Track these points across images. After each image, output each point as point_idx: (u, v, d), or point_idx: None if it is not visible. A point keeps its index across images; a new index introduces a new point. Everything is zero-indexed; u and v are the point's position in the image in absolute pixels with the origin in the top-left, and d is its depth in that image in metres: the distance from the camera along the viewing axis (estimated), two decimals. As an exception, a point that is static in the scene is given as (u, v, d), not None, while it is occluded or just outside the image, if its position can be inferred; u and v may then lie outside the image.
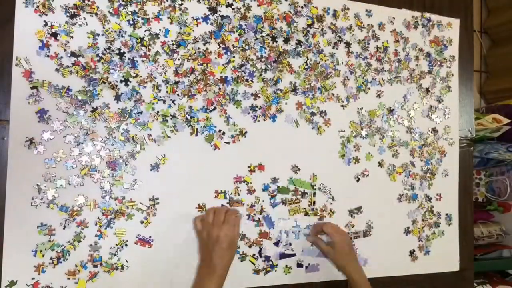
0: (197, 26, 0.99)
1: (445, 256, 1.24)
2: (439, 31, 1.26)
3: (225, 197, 1.00)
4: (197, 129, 0.98)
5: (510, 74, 2.39)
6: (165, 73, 0.96)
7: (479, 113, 2.23)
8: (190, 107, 0.97)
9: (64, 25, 0.88)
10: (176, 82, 0.97)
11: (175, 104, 0.96)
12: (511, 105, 2.21)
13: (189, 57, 0.98)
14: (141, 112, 0.93)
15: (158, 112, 0.95)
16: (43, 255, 0.85)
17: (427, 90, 1.23)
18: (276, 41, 1.06)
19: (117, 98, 0.92)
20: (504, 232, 2.11)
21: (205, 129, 0.98)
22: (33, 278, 0.85)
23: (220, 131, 1.00)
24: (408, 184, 1.19)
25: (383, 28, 1.18)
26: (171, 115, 0.96)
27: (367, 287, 0.99)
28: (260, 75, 1.04)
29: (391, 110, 1.18)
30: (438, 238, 1.22)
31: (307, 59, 1.09)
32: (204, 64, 0.99)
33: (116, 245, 0.91)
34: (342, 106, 1.12)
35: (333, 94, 1.11)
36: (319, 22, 1.11)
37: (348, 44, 1.14)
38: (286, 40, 1.07)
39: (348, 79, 1.13)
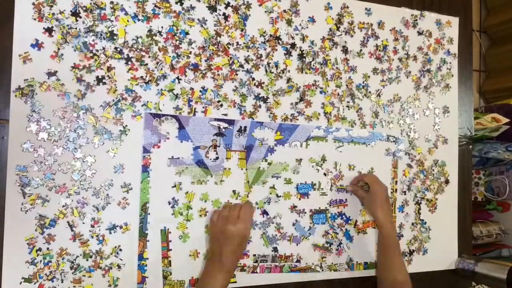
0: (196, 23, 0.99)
1: (444, 255, 1.24)
2: (439, 30, 1.26)
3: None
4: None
5: (509, 73, 2.40)
6: (161, 69, 0.96)
7: (478, 112, 2.23)
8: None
9: (64, 24, 0.88)
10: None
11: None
12: (510, 105, 2.21)
13: (190, 54, 0.98)
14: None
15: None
16: (43, 258, 0.85)
17: (426, 88, 1.24)
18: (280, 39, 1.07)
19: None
20: (503, 232, 2.12)
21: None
22: (36, 282, 0.85)
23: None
24: (406, 184, 1.19)
25: (383, 27, 1.18)
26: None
27: (394, 241, 1.00)
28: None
29: (390, 108, 1.18)
30: (437, 237, 1.22)
31: (313, 60, 1.09)
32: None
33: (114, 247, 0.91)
34: (347, 106, 1.13)
35: (335, 95, 1.12)
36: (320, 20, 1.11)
37: (345, 49, 1.14)
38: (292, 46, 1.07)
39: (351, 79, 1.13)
